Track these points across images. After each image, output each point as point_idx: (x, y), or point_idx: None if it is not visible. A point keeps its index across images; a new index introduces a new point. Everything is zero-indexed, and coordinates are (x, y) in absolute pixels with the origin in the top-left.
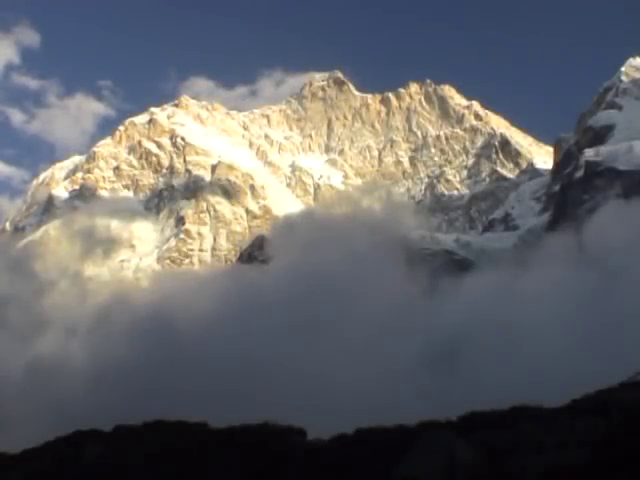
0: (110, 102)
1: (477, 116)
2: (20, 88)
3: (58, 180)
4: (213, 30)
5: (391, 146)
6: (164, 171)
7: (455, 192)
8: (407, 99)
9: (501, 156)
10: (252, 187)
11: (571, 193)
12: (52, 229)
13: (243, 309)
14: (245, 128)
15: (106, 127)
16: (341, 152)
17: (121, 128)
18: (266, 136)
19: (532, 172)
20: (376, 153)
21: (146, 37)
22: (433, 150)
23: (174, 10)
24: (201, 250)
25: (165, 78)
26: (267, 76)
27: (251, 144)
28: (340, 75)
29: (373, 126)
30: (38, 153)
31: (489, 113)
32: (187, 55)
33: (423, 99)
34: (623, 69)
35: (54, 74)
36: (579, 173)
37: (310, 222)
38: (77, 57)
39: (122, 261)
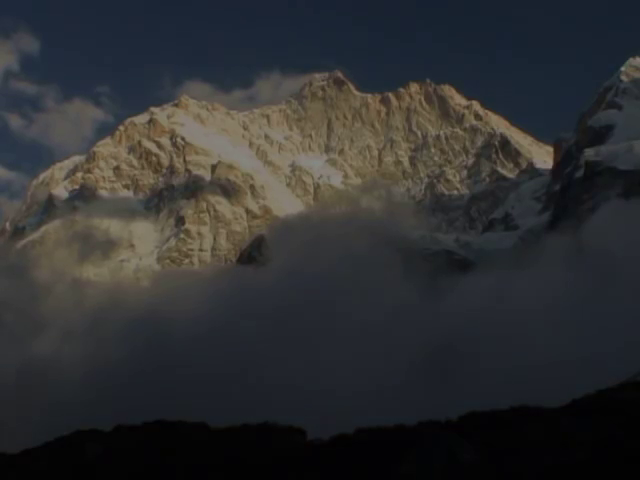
0: (108, 107)
1: (477, 116)
2: (19, 94)
3: (58, 180)
4: (210, 33)
5: (391, 146)
6: (164, 171)
7: (455, 192)
8: (407, 99)
9: (501, 156)
10: (252, 187)
11: (571, 193)
12: (52, 229)
13: (242, 309)
14: (245, 128)
15: (104, 132)
16: (341, 152)
17: (121, 128)
18: (266, 136)
19: (532, 172)
20: (376, 153)
21: (145, 42)
22: (433, 150)
23: (171, 15)
24: (201, 250)
25: (163, 82)
26: (265, 78)
27: (251, 144)
28: (340, 75)
29: (373, 126)
30: (37, 158)
31: (489, 113)
32: (184, 59)
33: (423, 99)
34: (623, 69)
35: (53, 80)
36: (579, 173)
37: (309, 222)
38: (75, 63)
39: (122, 261)
